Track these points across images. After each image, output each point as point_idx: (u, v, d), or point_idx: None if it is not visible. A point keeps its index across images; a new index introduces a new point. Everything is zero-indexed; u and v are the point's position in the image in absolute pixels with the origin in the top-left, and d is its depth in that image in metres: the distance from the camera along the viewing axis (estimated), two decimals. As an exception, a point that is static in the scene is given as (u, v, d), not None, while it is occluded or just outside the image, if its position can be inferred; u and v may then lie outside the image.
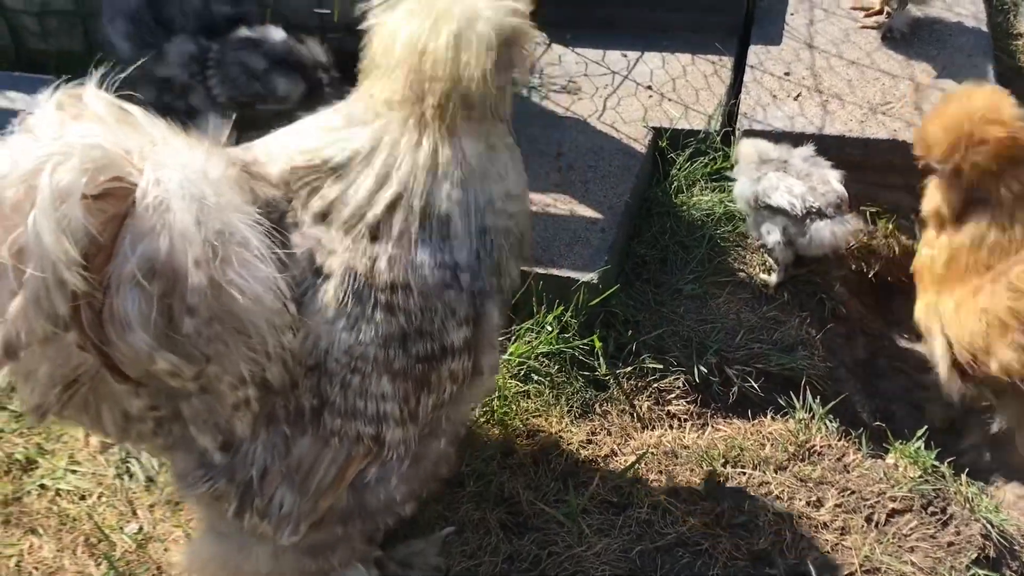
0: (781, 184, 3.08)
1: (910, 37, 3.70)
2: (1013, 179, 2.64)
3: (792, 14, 3.87)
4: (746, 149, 3.23)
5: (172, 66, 3.15)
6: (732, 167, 3.34)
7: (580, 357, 2.86)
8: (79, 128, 1.67)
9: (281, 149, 2.05)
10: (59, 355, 1.75)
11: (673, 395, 2.87)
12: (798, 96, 3.47)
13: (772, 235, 3.10)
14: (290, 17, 3.40)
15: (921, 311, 2.80)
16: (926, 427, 2.76)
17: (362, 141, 2.01)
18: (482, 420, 2.72)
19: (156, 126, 1.81)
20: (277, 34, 3.26)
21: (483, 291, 2.07)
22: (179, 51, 3.16)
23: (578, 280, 2.88)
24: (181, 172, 1.72)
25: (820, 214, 3.05)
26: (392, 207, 1.98)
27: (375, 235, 1.98)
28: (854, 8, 3.88)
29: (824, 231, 3.05)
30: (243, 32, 3.25)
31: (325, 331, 1.94)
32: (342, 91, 2.22)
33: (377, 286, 1.97)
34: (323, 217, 1.99)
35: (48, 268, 1.60)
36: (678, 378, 2.87)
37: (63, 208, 1.60)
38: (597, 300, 2.89)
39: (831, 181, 3.07)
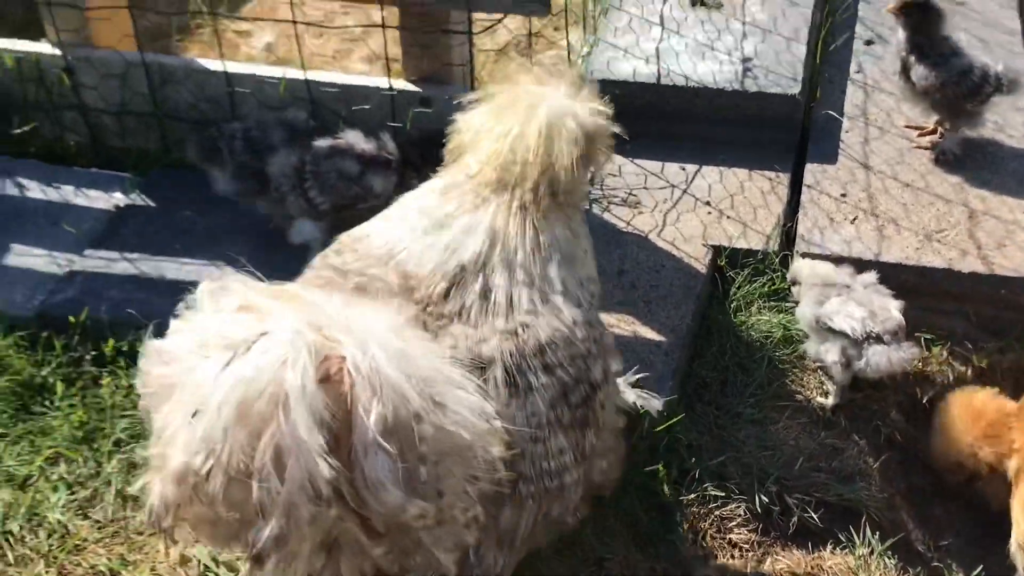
0: (843, 309, 3.18)
1: (963, 159, 3.79)
2: None
3: (847, 131, 3.96)
4: (806, 271, 3.34)
5: (274, 179, 3.33)
6: (788, 287, 3.44)
7: (645, 483, 2.95)
8: (279, 322, 1.81)
9: (425, 257, 2.31)
10: (319, 529, 1.88)
11: (734, 523, 2.95)
12: (855, 219, 3.56)
13: (831, 355, 3.20)
14: (363, 129, 3.51)
15: None
16: (981, 567, 2.84)
17: (480, 237, 2.31)
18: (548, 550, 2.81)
19: (313, 293, 2.02)
20: (355, 136, 3.43)
21: (595, 322, 2.43)
22: (282, 164, 3.34)
23: (644, 407, 2.97)
24: (373, 334, 1.89)
25: (879, 339, 3.15)
26: (523, 286, 2.30)
27: (512, 311, 2.27)
28: (907, 127, 3.98)
29: (882, 356, 3.15)
30: (327, 141, 3.40)
31: (505, 415, 2.15)
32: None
33: (529, 353, 2.22)
34: (459, 313, 2.25)
35: (309, 459, 1.74)
36: (739, 506, 2.95)
37: (309, 403, 1.74)
38: (662, 427, 2.98)
39: (891, 309, 3.17)
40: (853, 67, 4.30)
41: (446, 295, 2.26)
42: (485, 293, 2.27)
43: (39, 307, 3.36)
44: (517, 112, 2.37)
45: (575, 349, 2.29)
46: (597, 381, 2.36)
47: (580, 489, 2.41)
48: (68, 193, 3.81)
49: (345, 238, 2.46)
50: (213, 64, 3.72)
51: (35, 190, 3.82)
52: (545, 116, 2.35)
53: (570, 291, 2.37)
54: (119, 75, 3.77)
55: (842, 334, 3.17)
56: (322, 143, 3.38)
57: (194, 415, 1.77)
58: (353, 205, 3.28)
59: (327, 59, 4.53)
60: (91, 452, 3.08)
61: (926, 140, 3.90)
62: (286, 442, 1.73)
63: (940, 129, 3.88)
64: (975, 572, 2.83)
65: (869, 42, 4.45)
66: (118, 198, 3.78)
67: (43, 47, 3.88)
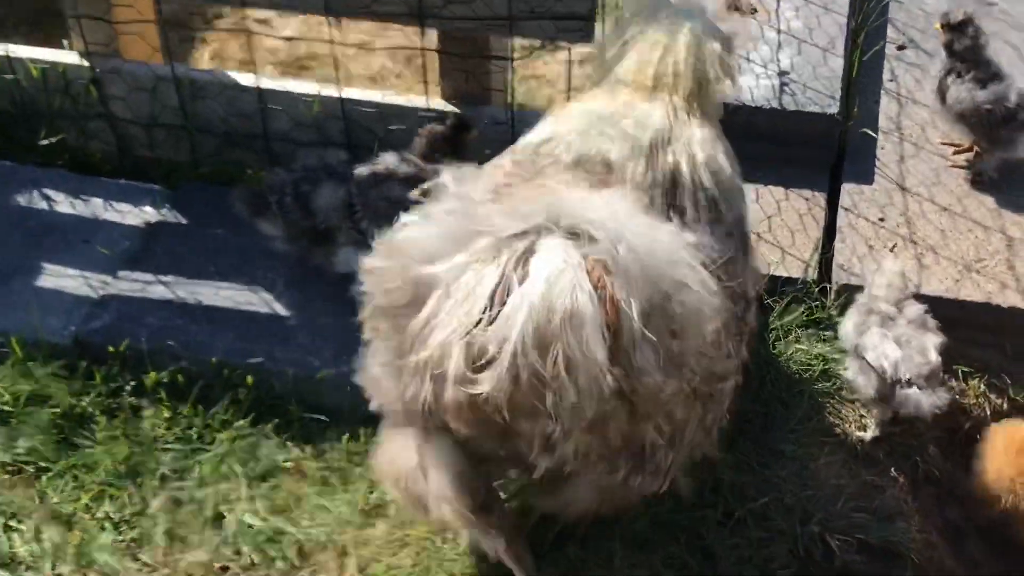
0: (880, 345, 3.17)
1: (1000, 182, 3.78)
2: None
3: (882, 148, 3.94)
4: (890, 279, 3.31)
5: (322, 213, 3.28)
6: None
7: (691, 526, 2.98)
8: (543, 230, 2.08)
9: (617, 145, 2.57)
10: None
11: (776, 564, 2.98)
12: (894, 247, 3.56)
13: (869, 388, 3.21)
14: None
15: None
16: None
17: (659, 118, 2.62)
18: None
19: (555, 185, 2.41)
20: (392, 158, 3.38)
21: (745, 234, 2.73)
22: (330, 198, 3.29)
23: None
24: (621, 225, 2.12)
25: (910, 383, 3.15)
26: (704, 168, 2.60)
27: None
28: (943, 143, 3.95)
29: (911, 401, 3.13)
30: (366, 167, 3.35)
31: None
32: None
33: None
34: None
35: (597, 369, 1.99)
36: (782, 547, 2.99)
37: (596, 321, 1.98)
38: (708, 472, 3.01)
39: (929, 352, 3.15)
40: (886, 75, 4.26)
41: (645, 173, 2.53)
42: (676, 173, 2.56)
43: (76, 334, 3.34)
44: (668, 34, 2.71)
45: (738, 266, 2.58)
46: (751, 297, 2.67)
47: (726, 403, 2.65)
48: (97, 207, 3.76)
49: (523, 145, 2.69)
50: (245, 79, 3.66)
51: (64, 203, 3.77)
52: (692, 37, 2.70)
53: (729, 179, 2.68)
54: (149, 88, 3.70)
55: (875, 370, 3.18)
56: (363, 170, 3.33)
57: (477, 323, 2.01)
58: (403, 228, 3.24)
59: (349, 57, 4.44)
60: (136, 488, 3.09)
61: (962, 158, 3.88)
62: (577, 357, 1.97)
63: (976, 147, 3.86)
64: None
65: (901, 47, 4.40)
66: (148, 213, 3.74)
67: (69, 56, 3.80)
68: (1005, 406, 3.39)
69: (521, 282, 2.01)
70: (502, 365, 1.98)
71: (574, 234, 2.09)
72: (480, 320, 2.01)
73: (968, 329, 3.41)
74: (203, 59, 4.65)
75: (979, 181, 3.80)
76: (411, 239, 2.22)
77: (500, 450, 2.31)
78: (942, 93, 3.72)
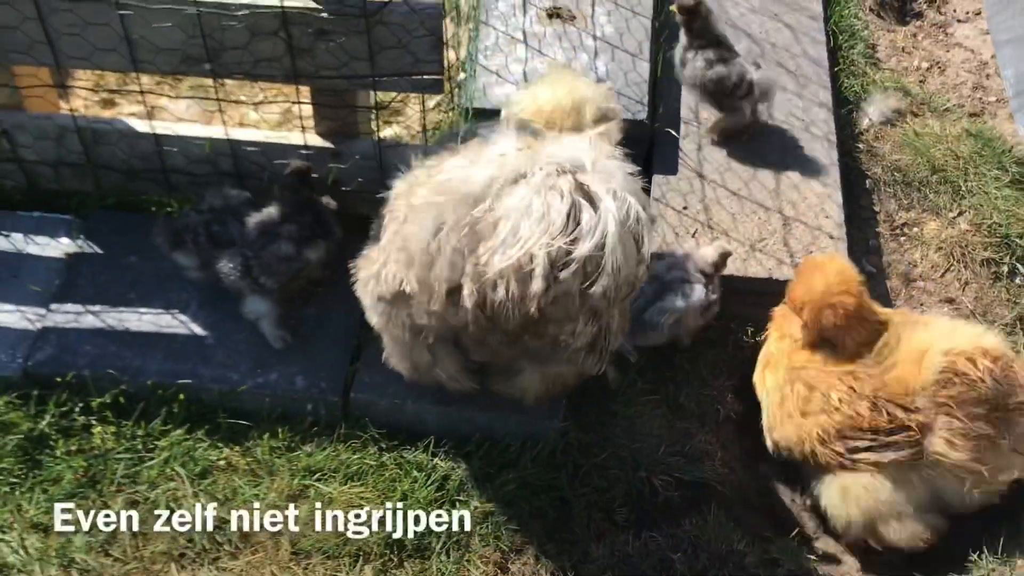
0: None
1: (778, 164, 4.60)
2: (856, 332, 3.78)
3: (684, 137, 4.71)
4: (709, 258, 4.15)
5: (226, 278, 3.87)
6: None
7: (550, 483, 3.83)
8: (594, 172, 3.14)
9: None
10: None
11: (615, 505, 3.86)
12: (695, 233, 4.39)
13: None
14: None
15: None
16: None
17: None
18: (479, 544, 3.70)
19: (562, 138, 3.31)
20: (275, 212, 3.95)
21: None
22: (230, 265, 3.85)
23: (546, 428, 3.83)
24: (605, 159, 3.19)
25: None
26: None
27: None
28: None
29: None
30: (256, 220, 3.93)
31: None
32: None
33: None
34: None
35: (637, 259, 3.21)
36: (619, 491, 3.87)
37: (645, 225, 3.19)
38: (559, 437, 3.86)
39: (653, 310, 4.05)
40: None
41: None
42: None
43: (24, 366, 3.91)
44: (559, 95, 3.69)
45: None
46: None
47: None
48: (18, 241, 4.26)
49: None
50: (142, 126, 4.18)
51: (-17, 241, 4.27)
52: (575, 101, 3.66)
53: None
54: (53, 138, 4.19)
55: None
56: (252, 224, 3.88)
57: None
58: (298, 276, 3.89)
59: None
60: (97, 495, 3.76)
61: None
62: (633, 251, 3.11)
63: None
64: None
65: (697, 34, 5.15)
66: (65, 244, 4.26)
67: (-26, 109, 4.25)
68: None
69: (594, 206, 3.00)
70: (608, 261, 2.99)
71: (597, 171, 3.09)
72: (557, 235, 2.97)
73: (755, 296, 4.29)
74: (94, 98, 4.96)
75: (716, 141, 4.67)
76: (463, 179, 3.11)
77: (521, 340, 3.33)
78: (683, 65, 4.54)
